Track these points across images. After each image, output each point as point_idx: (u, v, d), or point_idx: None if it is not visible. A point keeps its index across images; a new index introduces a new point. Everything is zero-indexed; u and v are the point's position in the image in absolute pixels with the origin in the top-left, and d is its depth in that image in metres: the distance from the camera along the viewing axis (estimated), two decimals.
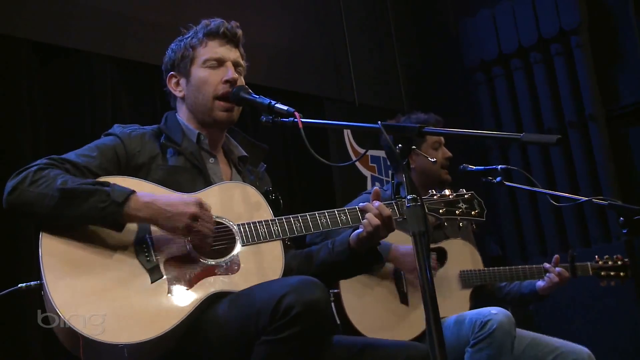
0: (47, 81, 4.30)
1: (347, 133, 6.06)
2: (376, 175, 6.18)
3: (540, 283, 3.72)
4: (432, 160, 3.42)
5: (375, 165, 6.19)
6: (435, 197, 2.62)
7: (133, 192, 2.21)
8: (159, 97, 4.71)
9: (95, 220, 2.20)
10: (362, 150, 6.03)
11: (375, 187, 2.55)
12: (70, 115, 4.35)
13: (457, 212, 2.62)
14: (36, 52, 4.28)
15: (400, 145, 2.04)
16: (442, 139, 3.75)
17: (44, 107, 4.22)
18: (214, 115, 2.51)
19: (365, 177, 6.12)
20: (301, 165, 5.63)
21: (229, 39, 2.56)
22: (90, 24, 4.53)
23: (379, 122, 2.09)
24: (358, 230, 2.46)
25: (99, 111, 4.45)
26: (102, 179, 2.30)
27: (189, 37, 2.58)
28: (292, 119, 2.28)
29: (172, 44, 2.63)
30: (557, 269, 3.67)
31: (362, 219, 2.42)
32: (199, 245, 2.26)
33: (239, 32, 2.59)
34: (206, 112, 2.52)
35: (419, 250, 1.93)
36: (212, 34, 2.55)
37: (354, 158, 5.93)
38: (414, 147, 2.06)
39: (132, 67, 4.73)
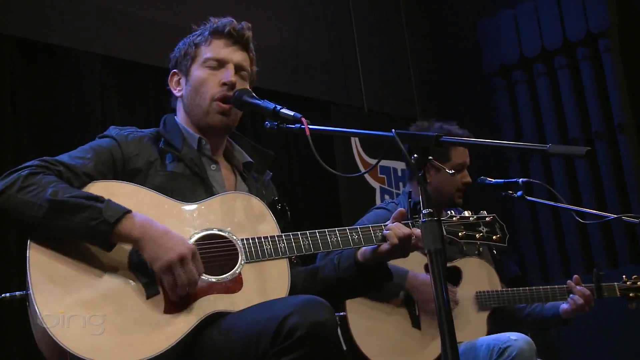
0: (32, 80, 4.33)
1: (354, 141, 6.07)
2: (385, 187, 6.17)
3: (564, 306, 3.71)
4: (450, 172, 3.42)
5: (384, 176, 6.19)
6: (454, 218, 2.63)
7: (128, 211, 2.20)
8: (152, 98, 4.74)
9: (83, 237, 2.20)
10: (370, 160, 6.04)
11: (400, 208, 2.54)
12: (57, 117, 4.38)
13: (477, 235, 2.63)
14: (21, 50, 4.30)
15: (415, 155, 2.04)
16: (467, 161, 3.75)
17: (28, 108, 4.25)
18: (208, 119, 2.53)
19: (374, 189, 6.12)
20: (305, 174, 5.65)
21: (236, 39, 2.58)
22: (79, 20, 4.56)
23: (393, 130, 2.10)
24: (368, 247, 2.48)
25: (88, 112, 4.49)
26: (97, 183, 2.31)
27: (196, 34, 2.61)
28: (298, 125, 2.28)
29: (180, 42, 2.67)
30: (579, 287, 3.66)
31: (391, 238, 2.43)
32: (167, 291, 2.19)
33: (248, 33, 2.61)
34: (201, 115, 2.54)
35: (434, 269, 1.94)
36: (217, 33, 2.57)
37: (361, 167, 5.93)
38: (430, 157, 2.05)
39: (123, 66, 4.76)
